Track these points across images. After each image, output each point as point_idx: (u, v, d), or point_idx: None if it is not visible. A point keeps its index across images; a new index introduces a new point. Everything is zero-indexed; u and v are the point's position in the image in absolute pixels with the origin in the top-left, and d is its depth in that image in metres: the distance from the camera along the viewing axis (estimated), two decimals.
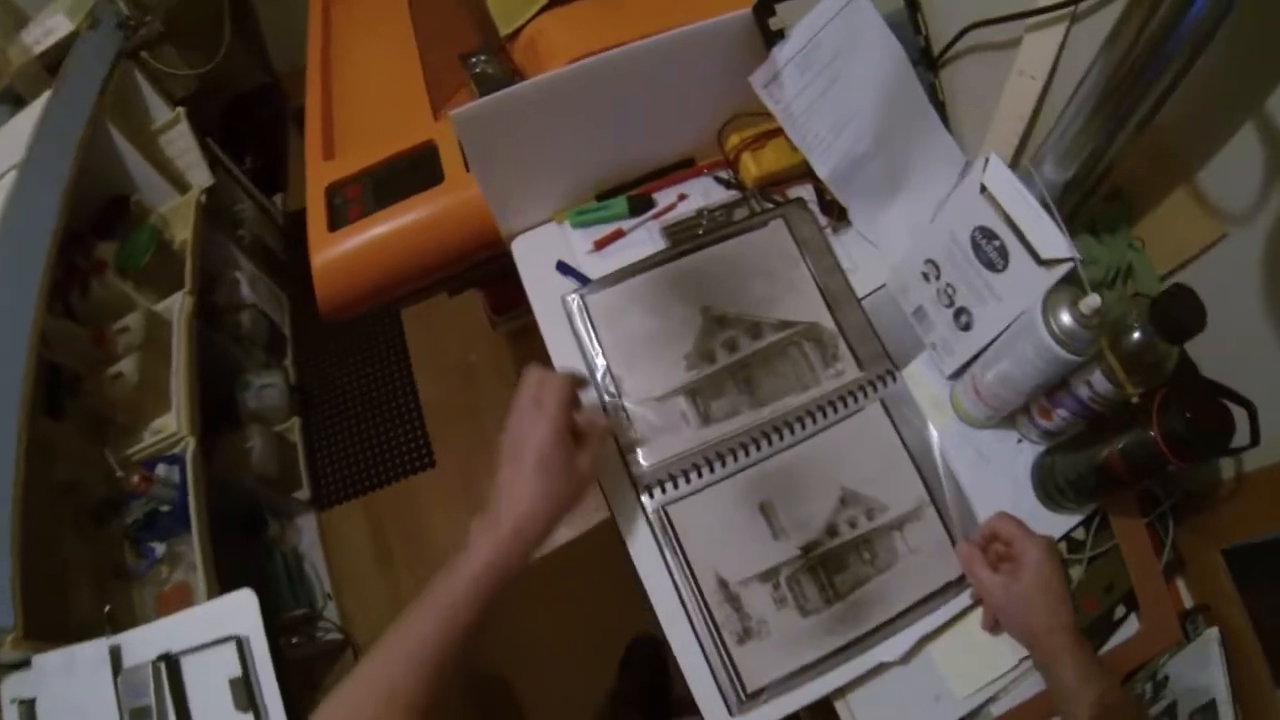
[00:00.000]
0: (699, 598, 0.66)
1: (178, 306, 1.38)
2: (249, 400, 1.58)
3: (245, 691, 0.85)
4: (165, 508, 1.23)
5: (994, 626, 0.67)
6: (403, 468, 1.76)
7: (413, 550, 1.67)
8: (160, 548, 1.23)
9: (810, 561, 0.68)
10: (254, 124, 1.87)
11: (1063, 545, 0.72)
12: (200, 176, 1.57)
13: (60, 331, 1.26)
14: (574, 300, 0.77)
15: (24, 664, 0.94)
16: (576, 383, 0.62)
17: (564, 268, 0.81)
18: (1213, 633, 0.68)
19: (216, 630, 0.89)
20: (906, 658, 0.67)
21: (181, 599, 1.21)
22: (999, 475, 0.74)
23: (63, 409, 1.22)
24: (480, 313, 1.72)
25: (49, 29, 1.39)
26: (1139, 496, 0.73)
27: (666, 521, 0.68)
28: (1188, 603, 0.74)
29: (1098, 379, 0.62)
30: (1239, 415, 0.59)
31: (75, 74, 1.38)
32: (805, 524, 0.69)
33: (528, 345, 1.65)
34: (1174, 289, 0.58)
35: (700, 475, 0.70)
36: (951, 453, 0.74)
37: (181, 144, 1.57)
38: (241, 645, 0.88)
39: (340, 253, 0.93)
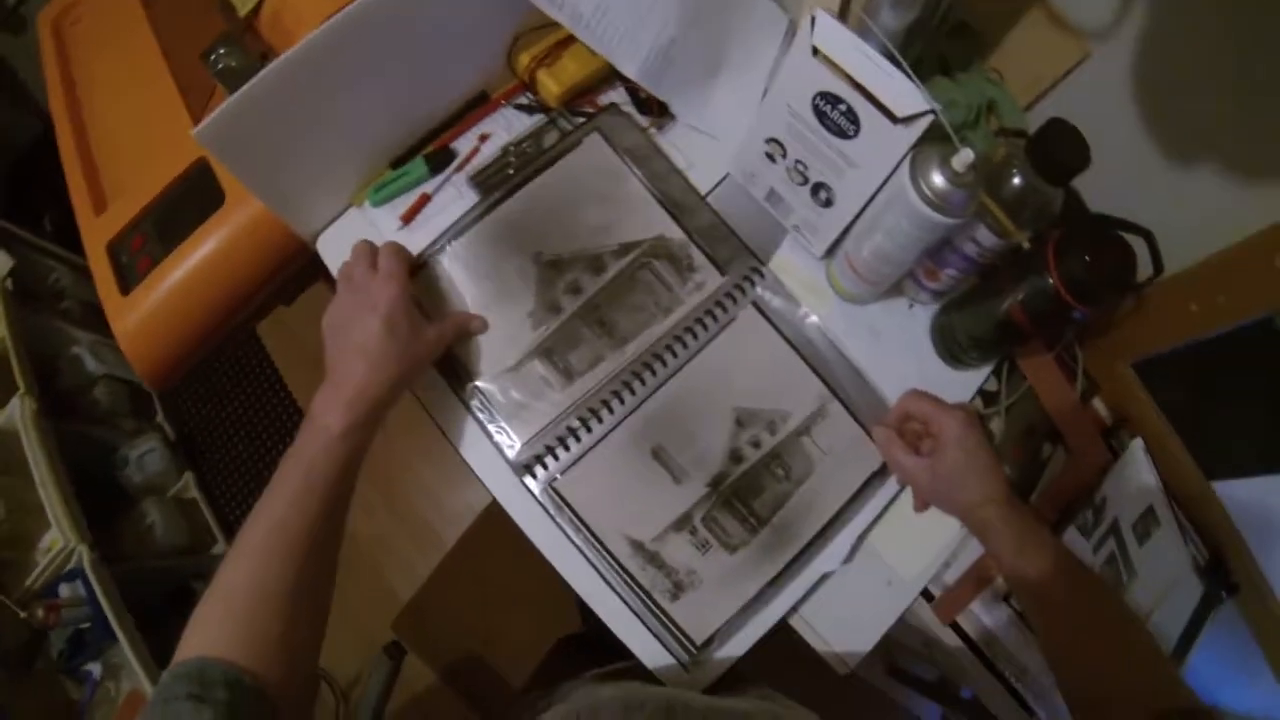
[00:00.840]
0: (617, 567, 0.63)
1: (19, 413, 1.26)
2: (132, 476, 1.48)
3: None
4: (85, 625, 1.16)
5: (925, 507, 0.66)
6: None
7: (345, 561, 1.64)
8: (97, 667, 1.18)
9: (722, 495, 0.65)
10: (41, 177, 1.67)
11: (977, 400, 0.71)
12: None
13: None
14: None
15: None
16: (401, 252, 0.63)
17: None
18: (1137, 442, 0.69)
19: None
20: (848, 559, 0.65)
21: (136, 709, 1.14)
22: (897, 347, 0.71)
23: None
24: (328, 296, 1.61)
25: None
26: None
27: (558, 498, 0.64)
28: (1108, 421, 0.74)
29: (983, 234, 0.59)
30: (1136, 245, 0.57)
31: None
32: (705, 458, 0.65)
33: None
34: (1049, 125, 0.54)
35: (578, 439, 0.65)
36: (842, 336, 0.70)
37: None
38: None
39: (142, 316, 0.83)
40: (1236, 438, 0.65)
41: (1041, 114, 0.66)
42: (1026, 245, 0.59)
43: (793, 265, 0.73)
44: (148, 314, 0.82)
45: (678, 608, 0.62)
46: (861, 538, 0.66)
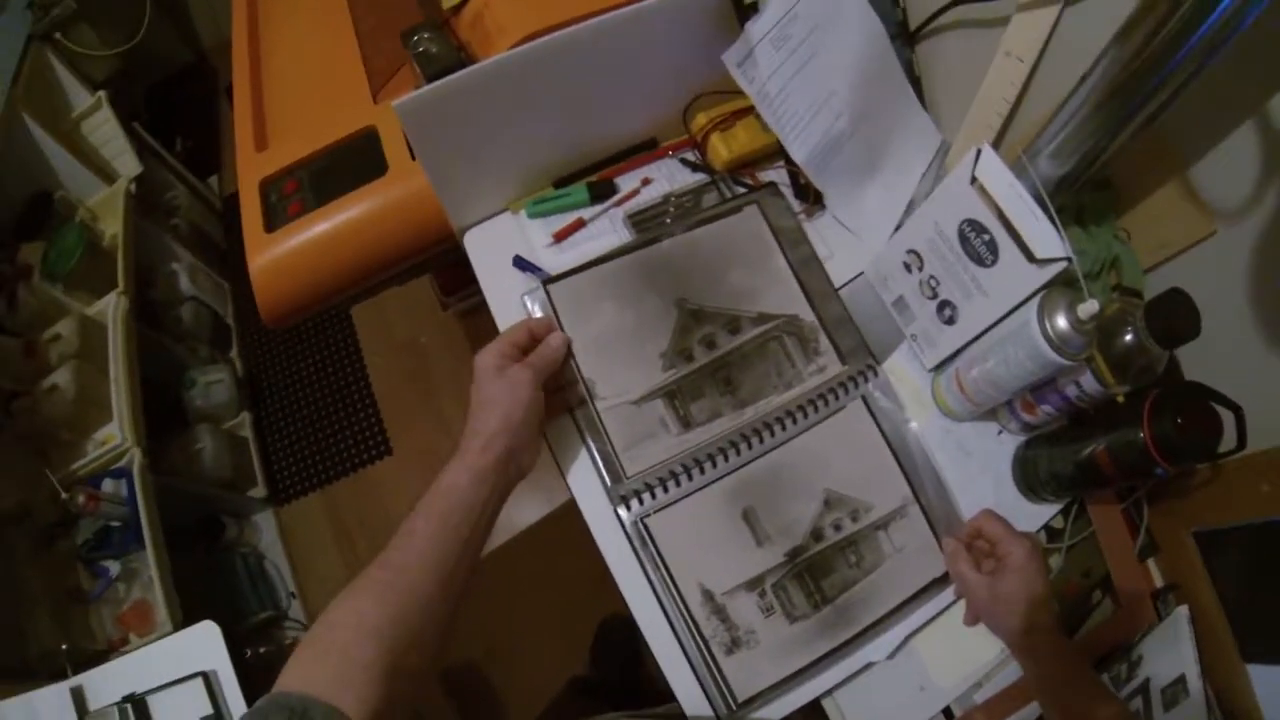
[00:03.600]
0: (684, 610, 0.61)
1: (112, 308, 1.26)
2: (196, 399, 1.46)
3: None
4: (116, 524, 1.14)
5: (975, 621, 0.65)
6: (360, 457, 1.67)
7: (376, 541, 1.57)
8: (115, 566, 1.14)
9: (796, 568, 0.64)
10: (183, 104, 1.71)
11: (1042, 534, 0.70)
12: (128, 165, 1.42)
13: None
14: (536, 292, 0.69)
15: None
16: (532, 327, 0.64)
17: (521, 262, 0.73)
18: (1182, 610, 0.68)
19: (182, 666, 0.82)
20: (893, 654, 0.64)
21: (142, 617, 1.12)
22: (980, 468, 0.71)
23: None
24: (429, 293, 1.62)
25: None
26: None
27: (646, 534, 0.62)
28: (1159, 582, 0.73)
29: (1087, 380, 0.59)
30: (1225, 417, 0.57)
31: None
32: (789, 529, 0.64)
33: (479, 325, 1.57)
34: (1170, 294, 0.55)
35: (679, 484, 0.64)
36: (934, 447, 0.70)
37: (105, 131, 1.42)
38: (209, 680, 0.81)
39: (279, 255, 0.83)
40: (1277, 624, 0.63)
41: (1159, 278, 0.66)
42: (1121, 399, 0.60)
43: (902, 371, 0.73)
44: (286, 254, 0.82)
45: (730, 662, 0.61)
46: (909, 636, 0.65)
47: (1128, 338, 0.57)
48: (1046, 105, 0.64)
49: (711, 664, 0.61)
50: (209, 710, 0.79)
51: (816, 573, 0.64)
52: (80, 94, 1.42)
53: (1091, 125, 0.55)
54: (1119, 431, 0.60)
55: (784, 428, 0.66)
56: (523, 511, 1.44)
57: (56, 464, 1.13)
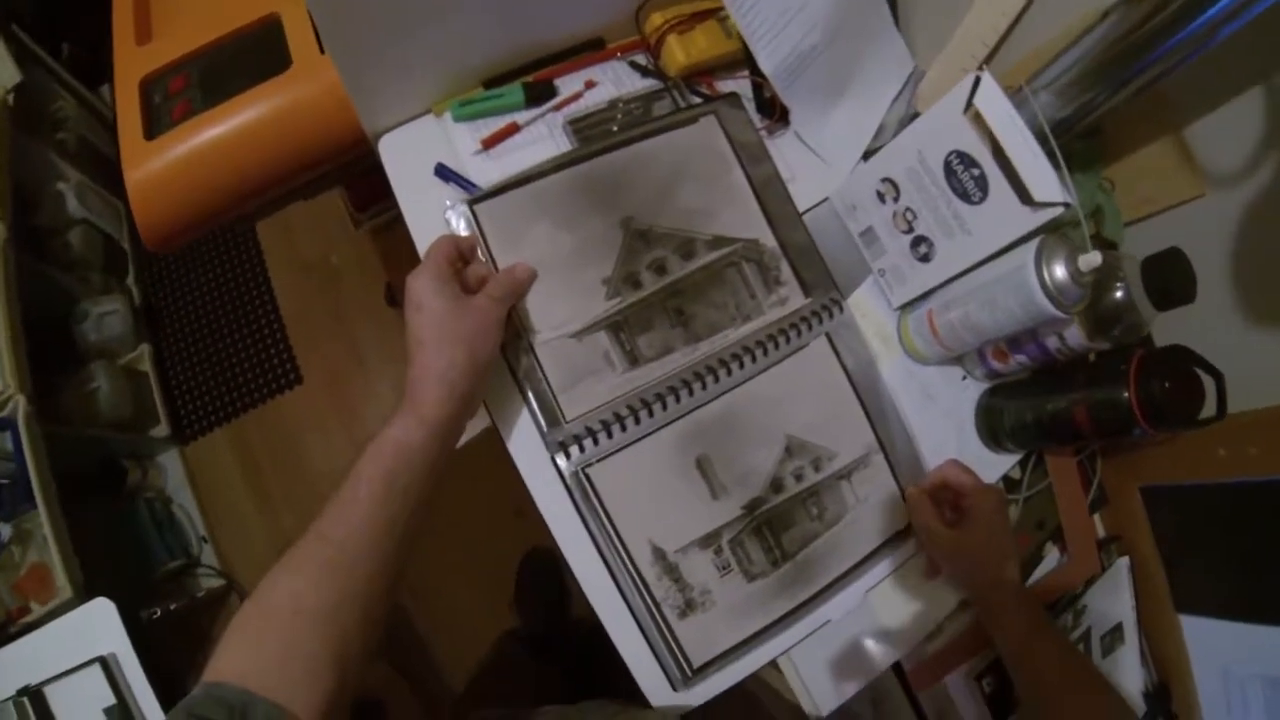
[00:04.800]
0: (633, 571, 0.54)
1: None
2: (88, 333, 1.28)
3: (122, 717, 0.66)
4: (3, 481, 0.99)
5: (934, 574, 0.62)
6: (268, 387, 1.53)
7: (288, 477, 1.47)
8: (6, 529, 1.00)
9: (755, 521, 0.57)
10: (71, 6, 1.48)
11: (1000, 484, 0.68)
12: (5, 73, 1.21)
13: None
14: (460, 211, 0.57)
15: None
16: (460, 243, 0.53)
17: (445, 172, 0.61)
18: (1123, 561, 0.69)
19: (78, 651, 0.71)
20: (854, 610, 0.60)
21: (40, 582, 1.00)
22: (944, 414, 0.67)
23: None
24: (340, 208, 1.45)
25: None
26: None
27: (588, 485, 0.54)
28: (1101, 533, 0.72)
29: (1072, 333, 0.57)
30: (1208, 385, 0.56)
31: None
32: (747, 479, 0.57)
33: (394, 242, 1.41)
34: (1170, 253, 0.53)
35: (624, 429, 0.55)
36: (899, 391, 0.65)
37: None
38: (108, 666, 0.69)
39: (162, 166, 0.70)
40: (1214, 579, 0.65)
41: (1139, 235, 0.64)
42: (1093, 357, 0.60)
43: (867, 308, 0.66)
44: (171, 164, 0.69)
45: (684, 626, 0.54)
46: (867, 593, 0.61)
47: (1118, 294, 0.54)
48: (1038, 41, 0.60)
49: (665, 628, 0.54)
50: (111, 700, 0.68)
51: (776, 526, 0.58)
52: None
53: (1093, 78, 0.52)
54: (1101, 389, 0.57)
55: (742, 365, 0.58)
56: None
57: None
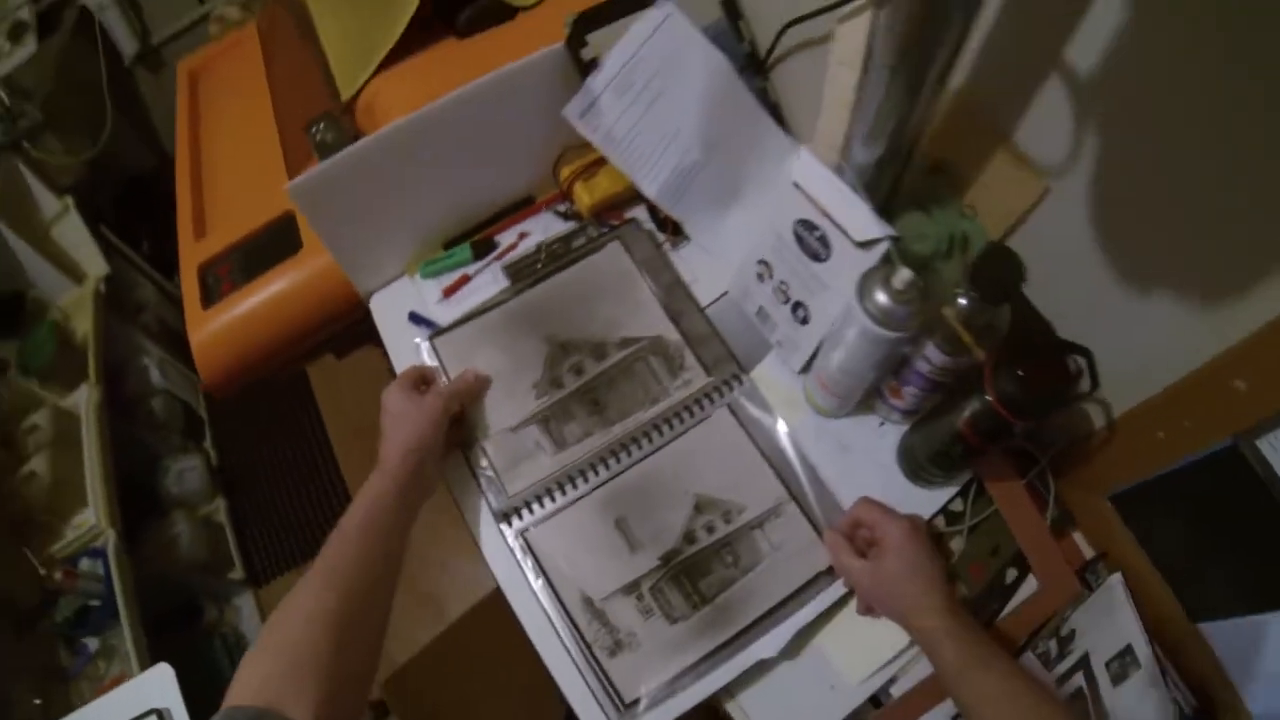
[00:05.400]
0: (566, 617, 0.69)
1: (84, 400, 1.39)
2: (170, 486, 1.58)
3: None
4: (94, 602, 1.23)
5: (868, 611, 0.68)
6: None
7: None
8: (94, 643, 1.24)
9: (671, 570, 0.70)
10: (149, 206, 1.86)
11: (941, 519, 0.73)
12: (96, 266, 1.57)
13: None
14: (424, 345, 0.80)
15: None
16: (421, 369, 0.76)
17: (415, 317, 0.84)
18: (1115, 578, 0.67)
19: (138, 706, 0.91)
20: (790, 651, 0.68)
21: None
22: (864, 462, 0.75)
23: None
24: (377, 359, 1.73)
25: None
26: (1013, 458, 0.74)
27: (527, 546, 0.71)
28: (1088, 554, 0.74)
29: (932, 351, 0.63)
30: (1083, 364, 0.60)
31: None
32: (662, 534, 0.71)
33: None
34: (988, 249, 0.60)
35: (554, 499, 0.73)
36: (810, 447, 0.75)
37: (74, 234, 1.57)
38: (162, 717, 0.89)
39: (215, 329, 0.96)
40: (1218, 575, 0.62)
41: (1018, 246, 0.65)
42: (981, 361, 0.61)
43: (773, 379, 0.78)
44: (220, 327, 0.95)
45: (614, 664, 0.67)
46: (805, 633, 0.68)
47: (961, 303, 0.59)
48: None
49: (596, 667, 0.67)
50: None
51: (693, 574, 0.70)
52: (49, 199, 1.58)
53: (888, 100, 0.59)
54: (974, 399, 0.62)
55: (650, 440, 0.75)
56: (489, 572, 1.48)
57: (36, 548, 1.25)
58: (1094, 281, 0.61)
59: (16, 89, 1.51)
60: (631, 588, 0.70)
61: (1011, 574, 0.71)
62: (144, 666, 1.19)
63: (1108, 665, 0.63)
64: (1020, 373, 0.57)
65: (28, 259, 1.51)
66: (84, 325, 1.49)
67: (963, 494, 0.73)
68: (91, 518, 1.27)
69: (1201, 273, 0.55)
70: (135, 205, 1.85)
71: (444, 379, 0.78)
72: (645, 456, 0.75)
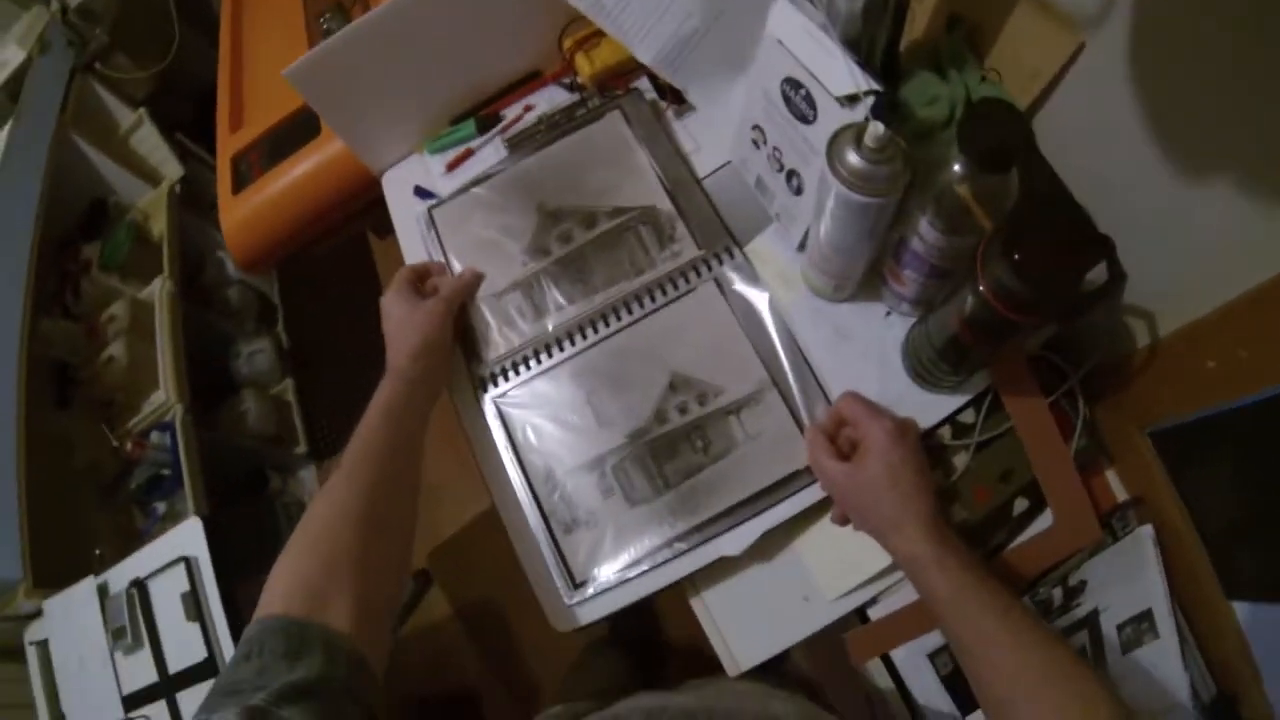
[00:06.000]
0: (529, 488, 0.67)
1: (159, 291, 1.48)
2: (241, 367, 1.69)
3: (194, 604, 0.95)
4: (165, 471, 1.34)
5: (843, 519, 0.60)
6: None
7: None
8: (162, 506, 1.35)
9: (637, 449, 0.66)
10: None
11: (947, 430, 0.63)
12: (171, 169, 1.65)
13: (59, 332, 1.39)
14: (421, 213, 0.79)
15: (38, 614, 1.06)
16: (418, 267, 0.74)
17: (420, 191, 0.83)
18: (1146, 530, 0.56)
19: (171, 554, 1.00)
20: (762, 554, 0.63)
21: None
22: (862, 354, 0.66)
23: (70, 400, 1.35)
24: None
25: (3, 61, 1.49)
26: (1040, 369, 0.63)
27: (499, 413, 0.70)
28: (1121, 496, 0.62)
29: (925, 229, 0.54)
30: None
31: (34, 98, 1.49)
32: (632, 411, 0.67)
33: None
34: (979, 104, 0.52)
35: (528, 367, 0.71)
36: (804, 330, 0.68)
37: (150, 142, 1.65)
38: (189, 565, 0.98)
39: (243, 213, 1.00)
40: (1270, 549, 0.49)
41: (1047, 115, 0.60)
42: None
43: (771, 254, 0.72)
44: (248, 211, 0.99)
45: (569, 540, 0.65)
46: (784, 535, 0.63)
47: (955, 168, 0.49)
48: None
49: (553, 542, 0.65)
50: (187, 588, 0.96)
51: (659, 456, 0.65)
52: (124, 113, 1.67)
53: None
54: (966, 289, 0.51)
55: (630, 311, 0.71)
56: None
57: (117, 425, 1.36)
58: (1138, 161, 0.50)
59: (86, 13, 1.59)
60: (594, 464, 0.66)
61: (1022, 504, 0.61)
62: None
63: (1120, 628, 0.54)
64: (1017, 257, 0.45)
65: (107, 169, 1.60)
66: (160, 224, 1.58)
67: (975, 405, 0.62)
68: (163, 395, 1.36)
69: (1273, 153, 0.41)
70: (212, 109, 1.92)
71: (441, 260, 0.77)
72: (624, 328, 0.71)
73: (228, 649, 0.93)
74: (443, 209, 0.79)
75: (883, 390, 0.63)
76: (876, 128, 0.49)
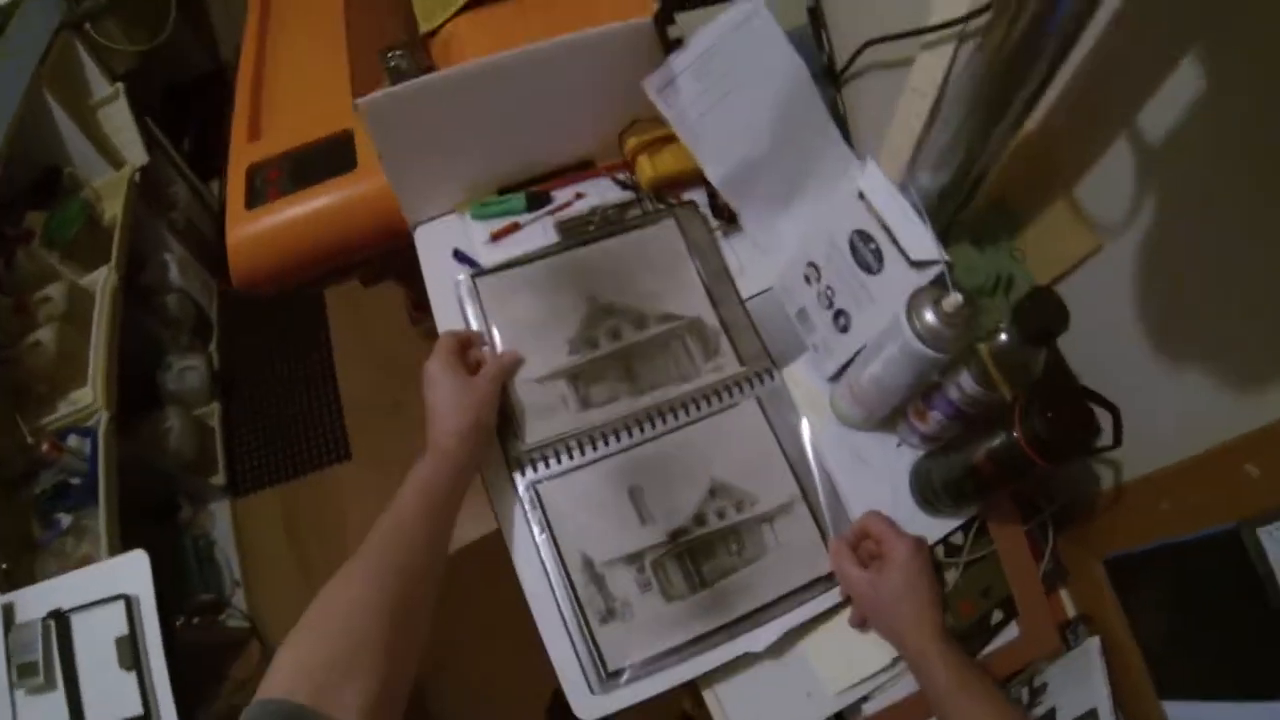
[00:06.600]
0: (565, 575, 0.66)
1: (102, 281, 1.35)
2: (169, 382, 1.55)
3: (130, 650, 0.84)
4: (75, 480, 1.20)
5: (862, 623, 0.67)
6: (320, 459, 1.74)
7: (327, 543, 1.64)
8: (67, 519, 1.20)
9: (677, 548, 0.68)
10: (194, 110, 1.83)
11: (940, 549, 0.71)
12: (136, 154, 1.54)
13: None
14: (464, 281, 0.77)
15: None
16: (461, 336, 0.71)
17: (460, 255, 0.81)
18: (1094, 642, 0.66)
19: (108, 589, 0.88)
20: (775, 651, 0.66)
21: None
22: (877, 477, 0.73)
23: None
24: (404, 309, 1.69)
25: None
26: (1020, 504, 0.73)
27: (536, 499, 0.68)
28: (1071, 612, 0.72)
29: (965, 380, 0.62)
30: (1106, 420, 0.59)
31: (17, 39, 1.36)
32: (674, 511, 0.69)
33: None
34: (1036, 291, 0.59)
35: (573, 456, 0.70)
36: (828, 452, 0.73)
37: (119, 120, 1.53)
38: (130, 605, 0.87)
39: (255, 230, 0.93)
40: (1194, 656, 0.61)
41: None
42: (1010, 400, 0.60)
43: (802, 379, 0.77)
44: (259, 230, 0.92)
45: (604, 631, 0.65)
46: (793, 635, 0.67)
47: (1002, 338, 0.58)
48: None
49: (586, 630, 0.64)
50: (125, 631, 0.84)
51: (697, 556, 0.68)
52: (101, 83, 1.54)
53: (961, 134, 0.60)
54: (998, 433, 0.61)
55: (676, 416, 0.73)
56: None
57: (29, 416, 1.20)
58: (1127, 343, 0.61)
59: None
60: (634, 558, 0.68)
61: (998, 616, 0.70)
62: (113, 550, 1.15)
63: None
64: (1049, 415, 0.57)
65: (71, 136, 1.46)
66: (114, 209, 1.44)
67: (964, 529, 0.72)
68: (89, 396, 1.22)
69: (1235, 355, 0.54)
70: (184, 105, 1.81)
71: (484, 334, 0.75)
72: (669, 431, 0.72)
73: (166, 707, 0.81)
74: (487, 280, 0.78)
75: (893, 511, 0.69)
76: (956, 298, 0.57)
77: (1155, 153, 0.53)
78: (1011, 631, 0.70)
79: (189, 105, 1.84)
